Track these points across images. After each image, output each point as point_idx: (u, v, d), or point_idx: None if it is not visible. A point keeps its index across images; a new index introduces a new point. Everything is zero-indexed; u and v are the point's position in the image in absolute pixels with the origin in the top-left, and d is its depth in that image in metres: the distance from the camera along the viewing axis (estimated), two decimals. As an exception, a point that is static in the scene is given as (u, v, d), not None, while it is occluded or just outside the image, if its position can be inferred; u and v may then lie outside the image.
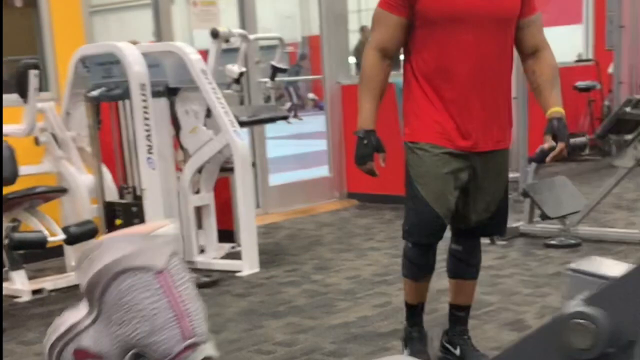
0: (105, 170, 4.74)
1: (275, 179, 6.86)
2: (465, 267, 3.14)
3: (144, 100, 4.46)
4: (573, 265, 1.11)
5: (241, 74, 5.22)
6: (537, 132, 7.69)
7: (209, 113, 4.76)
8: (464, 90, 2.74)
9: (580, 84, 8.57)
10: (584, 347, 0.92)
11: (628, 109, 4.68)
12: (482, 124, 2.78)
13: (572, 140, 5.41)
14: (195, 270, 4.70)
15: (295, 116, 16.37)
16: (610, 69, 8.64)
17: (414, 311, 3.13)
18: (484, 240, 4.96)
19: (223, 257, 4.92)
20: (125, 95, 4.50)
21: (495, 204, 2.93)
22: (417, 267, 3.04)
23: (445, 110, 2.78)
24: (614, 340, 0.91)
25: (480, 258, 3.13)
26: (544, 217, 4.90)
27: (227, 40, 5.19)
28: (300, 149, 11.24)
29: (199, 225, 4.98)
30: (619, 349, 0.92)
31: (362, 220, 6.09)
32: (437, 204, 2.82)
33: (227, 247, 5.09)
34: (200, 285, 4.37)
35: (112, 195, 4.74)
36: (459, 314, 3.14)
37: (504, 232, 3.48)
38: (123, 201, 4.68)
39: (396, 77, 6.89)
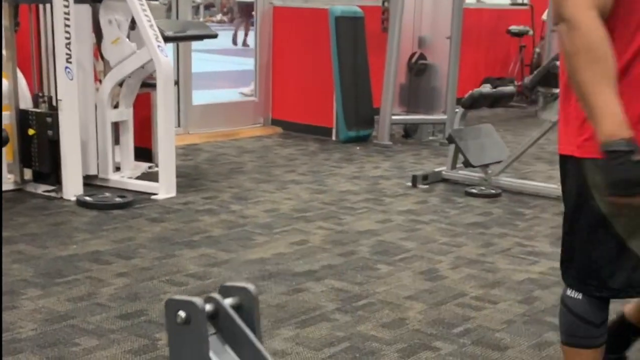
0: (21, 76, 4.49)
1: (199, 97, 6.66)
2: None
3: (66, 6, 4.24)
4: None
5: None
6: (467, 74, 7.72)
7: (133, 25, 4.54)
8: None
9: (513, 28, 8.56)
10: None
11: (558, 63, 4.67)
12: None
13: (500, 89, 5.44)
14: (109, 189, 4.54)
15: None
16: (544, 16, 8.66)
17: None
18: (407, 183, 4.99)
19: (139, 177, 4.77)
20: (46, -2, 4.24)
21: None
22: (595, 325, 2.04)
23: None
24: None
25: None
26: (467, 164, 4.91)
27: None
28: (227, 66, 10.99)
29: (116, 141, 4.80)
30: None
31: (285, 150, 6.00)
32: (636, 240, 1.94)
33: (144, 166, 4.94)
34: (113, 206, 4.23)
35: (26, 103, 4.50)
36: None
37: None
38: (37, 110, 4.45)
39: (332, 3, 6.66)
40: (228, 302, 1.21)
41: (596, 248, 1.96)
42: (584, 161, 1.90)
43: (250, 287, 1.22)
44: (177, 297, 1.16)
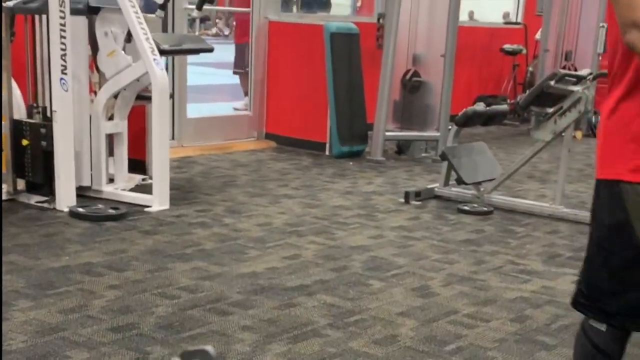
0: (15, 87, 4.49)
1: (193, 110, 6.67)
2: None
3: (62, 17, 4.25)
4: None
5: (167, 0, 5.00)
6: (460, 92, 7.75)
7: (129, 37, 4.56)
8: None
9: (507, 47, 8.63)
10: None
11: (552, 83, 4.70)
12: None
13: (493, 108, 5.47)
14: (103, 200, 4.54)
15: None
16: (537, 35, 8.72)
17: None
18: (399, 199, 5.01)
19: (132, 189, 4.77)
20: (43, 9, 4.27)
21: None
22: (612, 359, 2.00)
23: None
24: None
25: None
26: (460, 181, 4.93)
27: None
28: (223, 80, 11.00)
29: (110, 153, 4.81)
30: None
31: (279, 164, 6.00)
32: None
33: (137, 178, 4.94)
34: (106, 218, 4.23)
35: (20, 113, 4.50)
36: None
37: None
38: (32, 121, 4.45)
39: (328, 20, 6.71)
40: None
41: (632, 286, 1.87)
42: (636, 187, 1.80)
43: (210, 350, 1.23)
44: None
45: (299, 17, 7.94)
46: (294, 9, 12.00)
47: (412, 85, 6.65)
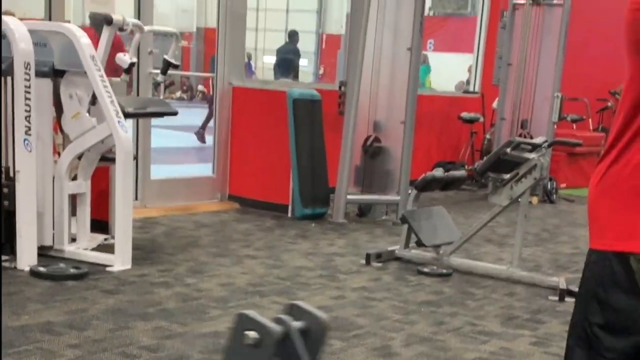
0: (-21, 146, 4.50)
1: (157, 171, 6.71)
2: None
3: (27, 80, 4.30)
4: None
5: (132, 65, 5.09)
6: (420, 157, 7.90)
7: (94, 100, 4.61)
8: None
9: (465, 115, 8.84)
10: None
11: (509, 150, 4.85)
12: None
13: (451, 173, 5.60)
14: (64, 260, 4.52)
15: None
16: (494, 104, 8.97)
17: None
18: (361, 261, 5.07)
19: (94, 249, 4.77)
20: (8, 71, 4.31)
21: None
22: None
23: None
24: None
25: None
26: (420, 244, 5.02)
27: (121, 29, 5.04)
28: (186, 142, 11.11)
29: (73, 213, 4.81)
30: None
31: (242, 226, 6.05)
32: None
33: (100, 238, 4.94)
34: (68, 277, 4.22)
35: (-17, 172, 4.50)
36: None
37: None
38: (-6, 180, 4.45)
39: (291, 86, 6.90)
40: (296, 325, 1.16)
41: None
42: None
43: (322, 315, 1.18)
44: (250, 314, 1.11)
45: (263, 83, 8.10)
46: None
47: (373, 151, 6.78)
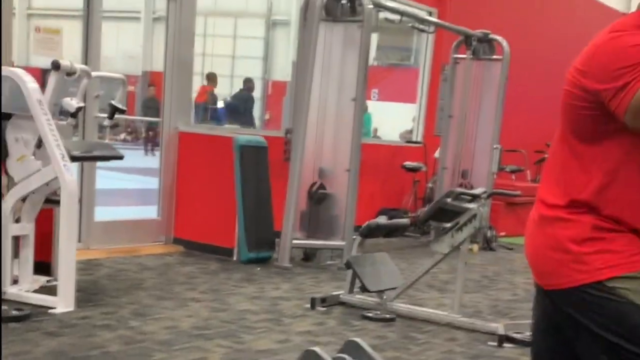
0: None
1: (101, 213, 6.68)
2: None
3: (-26, 122, 4.28)
4: None
5: (79, 109, 5.11)
6: (364, 204, 8.03)
7: (40, 143, 4.61)
8: None
9: (408, 164, 9.01)
10: None
11: (449, 200, 4.98)
12: None
13: (395, 221, 5.72)
14: (6, 302, 4.46)
15: (152, 150, 16.20)
16: (436, 154, 9.18)
17: None
18: (306, 305, 5.11)
19: (37, 291, 4.71)
20: (-45, 114, 4.28)
21: None
22: None
23: None
24: None
25: None
26: (364, 289, 5.09)
27: (68, 74, 5.06)
28: (131, 184, 11.06)
29: (15, 255, 4.76)
30: None
31: (186, 268, 6.04)
32: None
33: (42, 280, 4.89)
34: (9, 319, 4.16)
35: None
36: None
37: None
38: (-63, 220, 4.39)
39: (237, 133, 6.98)
40: None
41: None
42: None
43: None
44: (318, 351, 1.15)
45: (209, 129, 8.15)
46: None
47: (318, 197, 6.87)
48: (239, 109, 12.72)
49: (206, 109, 13.40)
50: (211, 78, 14.31)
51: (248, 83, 13.19)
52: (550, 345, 1.96)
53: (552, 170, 1.92)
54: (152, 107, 15.11)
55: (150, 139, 16.72)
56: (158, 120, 7.10)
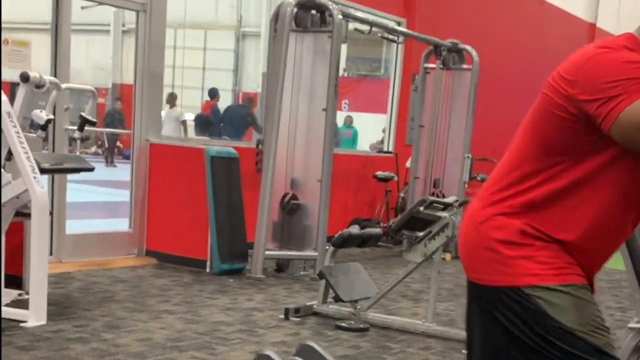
0: None
1: (72, 226, 6.63)
2: None
3: (-56, 134, 4.23)
4: None
5: (48, 121, 5.07)
6: (337, 214, 8.05)
7: (9, 155, 4.58)
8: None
9: (380, 174, 9.07)
10: None
11: (422, 209, 5.01)
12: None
13: (367, 231, 5.74)
14: (-24, 316, 4.41)
15: (112, 162, 16.27)
16: (408, 163, 9.24)
17: None
18: (279, 315, 5.11)
19: (8, 305, 4.65)
20: None
21: None
22: None
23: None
24: None
25: None
26: (337, 299, 5.10)
27: (38, 86, 5.03)
28: (102, 197, 10.99)
29: (-15, 268, 4.70)
30: None
31: (159, 281, 6.01)
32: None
33: (13, 293, 4.83)
34: (-20, 334, 4.11)
35: None
36: None
37: None
38: None
39: (207, 145, 6.96)
40: None
41: None
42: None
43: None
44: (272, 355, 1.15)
45: (180, 141, 8.13)
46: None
47: (291, 208, 6.87)
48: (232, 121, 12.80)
49: (209, 123, 13.41)
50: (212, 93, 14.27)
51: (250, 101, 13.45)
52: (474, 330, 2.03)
53: (503, 167, 1.96)
54: (118, 119, 15.16)
55: (110, 151, 16.76)
56: (128, 132, 7.06)
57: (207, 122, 13.17)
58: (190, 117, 14.48)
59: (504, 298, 1.86)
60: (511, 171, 1.92)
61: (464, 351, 4.64)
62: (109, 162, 16.41)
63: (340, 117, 13.26)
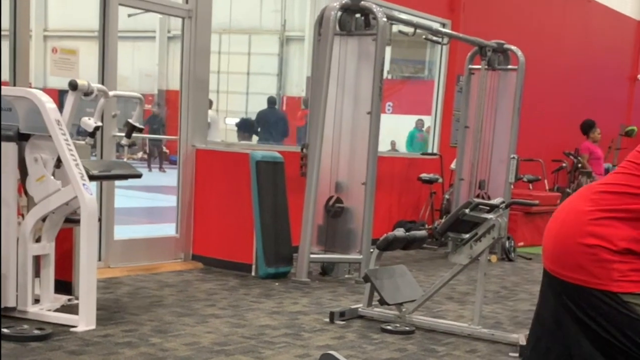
0: (-57, 207, 4.50)
1: (121, 232, 6.73)
2: None
3: (-8, 144, 4.33)
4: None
5: (97, 128, 5.16)
6: (381, 217, 8.03)
7: (59, 163, 4.65)
8: None
9: (424, 176, 9.02)
10: None
11: (467, 211, 4.98)
12: None
13: (412, 233, 5.71)
14: (27, 321, 4.51)
15: (161, 168, 16.50)
16: (452, 165, 9.17)
17: None
18: (324, 319, 5.12)
19: (58, 310, 4.75)
20: (-26, 136, 4.34)
21: None
22: None
23: None
24: None
25: None
26: (382, 302, 5.09)
27: (86, 94, 5.11)
28: (149, 202, 11.14)
29: (36, 274, 4.80)
30: None
31: (206, 285, 6.07)
32: None
33: (63, 299, 4.93)
34: (31, 338, 4.20)
35: (-53, 233, 4.49)
36: None
37: None
38: (-42, 241, 4.44)
39: (253, 149, 7.01)
40: None
41: None
42: None
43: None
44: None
45: (226, 146, 8.19)
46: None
47: (335, 211, 6.88)
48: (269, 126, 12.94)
49: (251, 126, 13.61)
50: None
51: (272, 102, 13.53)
52: (549, 333, 2.01)
53: (622, 172, 1.94)
54: (158, 124, 15.38)
55: (160, 156, 16.99)
56: (175, 139, 7.15)
57: (250, 126, 13.28)
58: (231, 121, 14.62)
59: (596, 301, 1.85)
60: (632, 181, 1.90)
61: (511, 354, 4.60)
62: (159, 167, 16.63)
63: (385, 120, 13.21)
